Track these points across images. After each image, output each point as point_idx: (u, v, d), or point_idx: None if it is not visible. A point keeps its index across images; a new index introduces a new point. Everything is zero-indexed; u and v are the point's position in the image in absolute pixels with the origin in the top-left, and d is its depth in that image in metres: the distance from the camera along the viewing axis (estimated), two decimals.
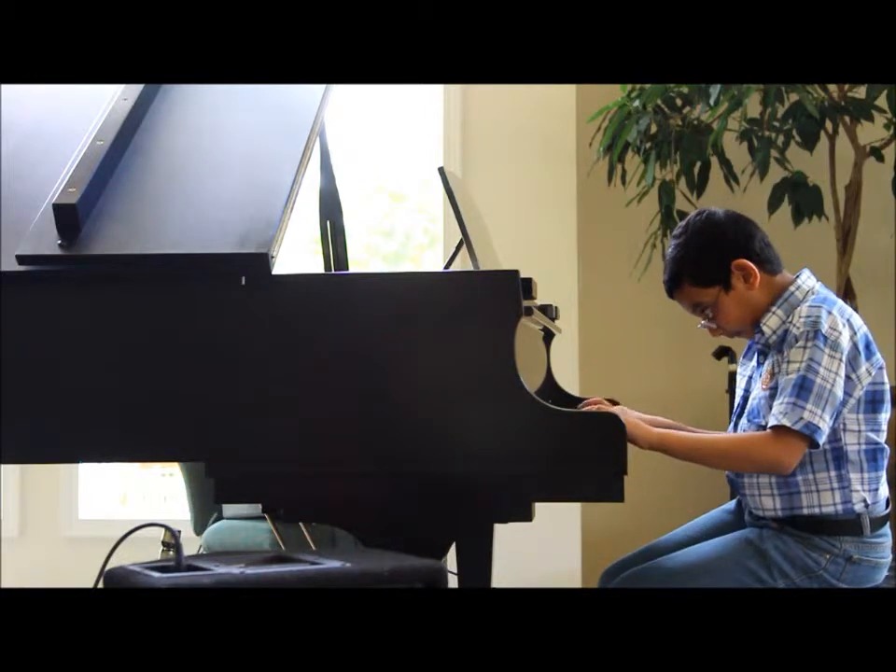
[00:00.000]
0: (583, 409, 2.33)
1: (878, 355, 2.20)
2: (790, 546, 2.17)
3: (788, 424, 2.08)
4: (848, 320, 2.18)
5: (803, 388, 2.09)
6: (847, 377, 2.13)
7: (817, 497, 2.17)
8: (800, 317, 2.15)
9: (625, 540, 2.67)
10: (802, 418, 2.07)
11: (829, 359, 2.10)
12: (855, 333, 2.17)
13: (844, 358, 2.12)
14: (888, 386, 2.21)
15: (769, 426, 2.12)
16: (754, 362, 2.34)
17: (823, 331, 2.11)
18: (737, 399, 2.39)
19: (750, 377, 2.35)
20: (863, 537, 2.16)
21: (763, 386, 2.22)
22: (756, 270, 2.23)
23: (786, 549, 2.17)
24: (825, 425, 2.09)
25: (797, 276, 2.27)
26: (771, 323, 2.23)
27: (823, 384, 2.09)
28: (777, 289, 2.25)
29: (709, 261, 2.24)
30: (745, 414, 2.29)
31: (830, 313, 2.14)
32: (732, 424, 2.37)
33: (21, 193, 2.14)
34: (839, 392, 2.11)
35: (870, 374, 2.17)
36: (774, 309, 2.23)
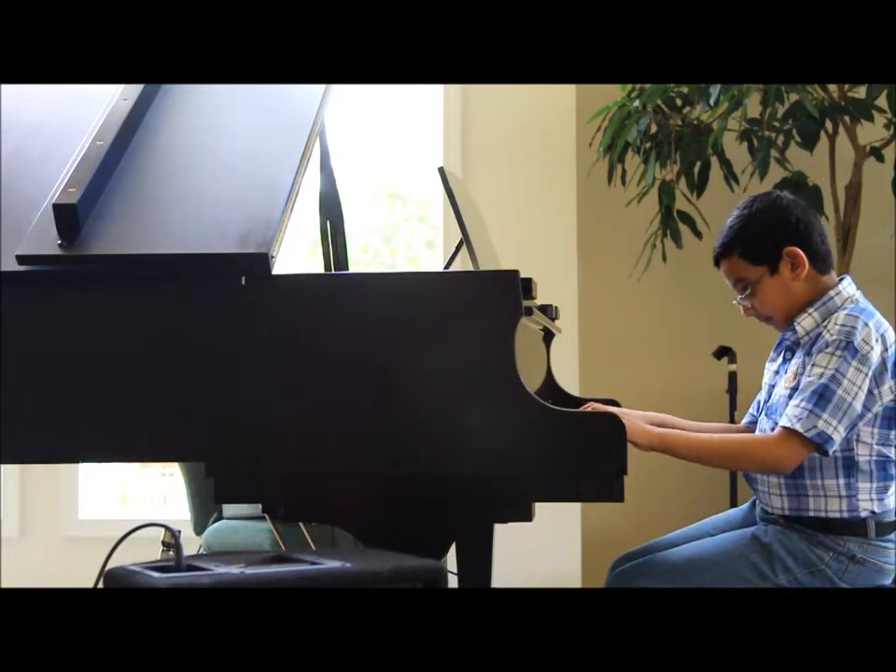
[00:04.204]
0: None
1: None
2: (794, 541, 2.18)
3: (800, 429, 2.07)
4: (883, 335, 2.15)
5: (822, 397, 2.08)
6: (870, 391, 2.12)
7: (824, 502, 2.17)
8: (835, 324, 2.13)
9: (625, 540, 2.67)
10: (815, 426, 2.07)
11: (855, 372, 2.09)
12: (886, 350, 2.15)
13: (870, 373, 2.11)
14: None
15: (780, 425, 2.11)
16: (781, 357, 2.33)
17: (855, 343, 2.10)
18: (762, 393, 2.37)
19: (777, 372, 2.34)
20: (868, 538, 2.16)
21: (786, 385, 2.22)
22: (806, 261, 2.21)
23: (789, 543, 2.18)
24: (838, 436, 2.09)
25: (840, 281, 2.26)
26: (805, 324, 2.21)
27: (844, 395, 2.08)
28: (819, 289, 2.23)
29: (765, 240, 2.22)
30: (765, 409, 2.29)
31: (866, 325, 2.12)
32: (752, 417, 2.37)
33: (21, 193, 2.14)
34: (859, 406, 2.10)
35: (892, 392, 2.15)
36: (810, 311, 2.21)
